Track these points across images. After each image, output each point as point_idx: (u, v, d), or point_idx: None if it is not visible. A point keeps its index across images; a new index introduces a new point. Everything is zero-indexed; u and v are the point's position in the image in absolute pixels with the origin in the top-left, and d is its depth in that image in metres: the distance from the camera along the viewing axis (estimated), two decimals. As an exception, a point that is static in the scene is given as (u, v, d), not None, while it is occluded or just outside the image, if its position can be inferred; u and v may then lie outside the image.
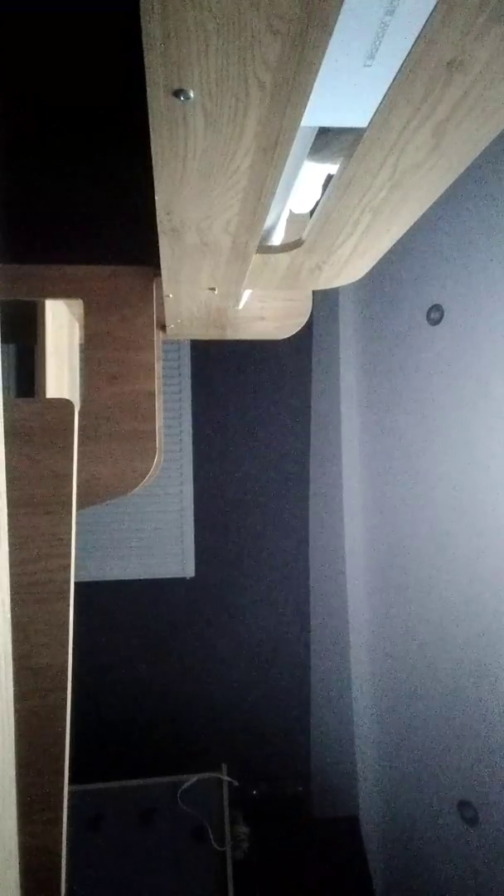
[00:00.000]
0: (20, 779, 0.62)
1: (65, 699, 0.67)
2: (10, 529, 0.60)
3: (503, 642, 1.72)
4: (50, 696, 0.66)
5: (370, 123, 0.50)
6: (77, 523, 0.71)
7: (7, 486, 0.52)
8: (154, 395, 1.14)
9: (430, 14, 0.37)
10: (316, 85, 0.44)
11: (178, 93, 0.44)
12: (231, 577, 2.76)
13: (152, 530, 2.69)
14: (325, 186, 0.72)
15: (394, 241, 0.79)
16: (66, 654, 0.67)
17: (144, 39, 0.39)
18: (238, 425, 2.77)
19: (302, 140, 0.61)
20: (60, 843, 0.65)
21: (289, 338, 1.41)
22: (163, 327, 1.31)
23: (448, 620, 1.95)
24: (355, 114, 0.49)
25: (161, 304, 1.14)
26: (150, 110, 0.46)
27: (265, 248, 0.81)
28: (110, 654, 2.65)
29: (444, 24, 0.38)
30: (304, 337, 2.69)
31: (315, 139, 0.62)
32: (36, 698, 0.66)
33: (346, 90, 0.46)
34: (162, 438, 1.29)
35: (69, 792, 0.66)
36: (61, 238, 2.40)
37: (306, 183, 0.72)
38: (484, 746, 1.81)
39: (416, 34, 0.39)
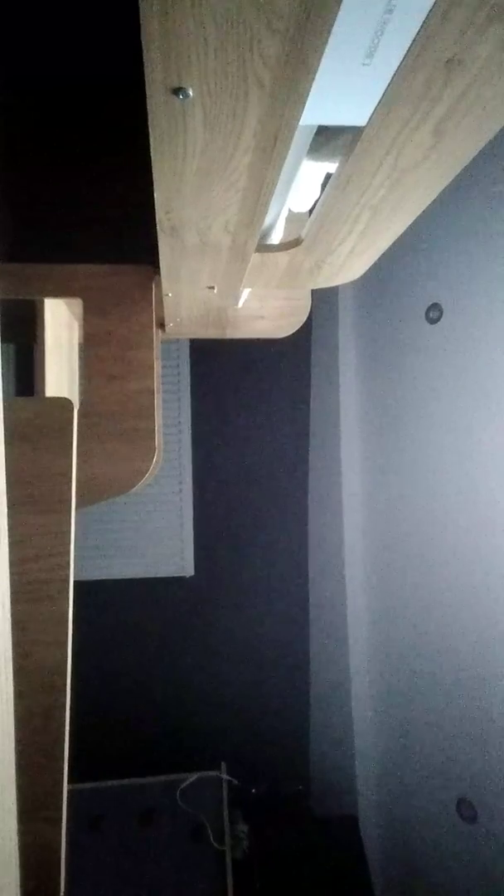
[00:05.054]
0: (20, 778, 0.62)
1: (64, 698, 0.67)
2: (9, 528, 0.60)
3: (501, 640, 1.72)
4: (49, 695, 0.66)
5: (369, 122, 0.49)
6: (76, 522, 0.71)
7: (6, 486, 0.52)
8: (153, 393, 1.14)
9: (429, 12, 0.37)
10: (315, 83, 0.44)
11: (177, 91, 0.44)
12: (230, 576, 2.76)
13: (151, 529, 2.69)
14: (324, 185, 0.72)
15: (393, 240, 0.79)
16: (66, 652, 0.67)
17: (144, 37, 0.38)
18: (237, 424, 2.77)
19: (301, 138, 0.61)
20: (60, 842, 0.65)
21: (288, 336, 1.41)
22: (162, 326, 1.31)
23: (447, 618, 1.95)
24: (354, 112, 0.49)
25: (160, 303, 1.14)
26: (149, 109, 0.46)
27: (264, 247, 0.81)
28: (110, 653, 2.65)
29: (442, 22, 0.38)
30: (304, 335, 2.68)
31: (314, 138, 0.62)
32: (35, 697, 0.66)
33: (344, 89, 0.46)
34: (161, 437, 1.29)
35: (69, 791, 0.66)
36: (61, 237, 2.40)
37: (305, 181, 0.72)
38: (482, 744, 1.81)
39: (415, 32, 0.39)
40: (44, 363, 1.16)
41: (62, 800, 0.65)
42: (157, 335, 1.20)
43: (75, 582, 0.70)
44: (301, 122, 0.49)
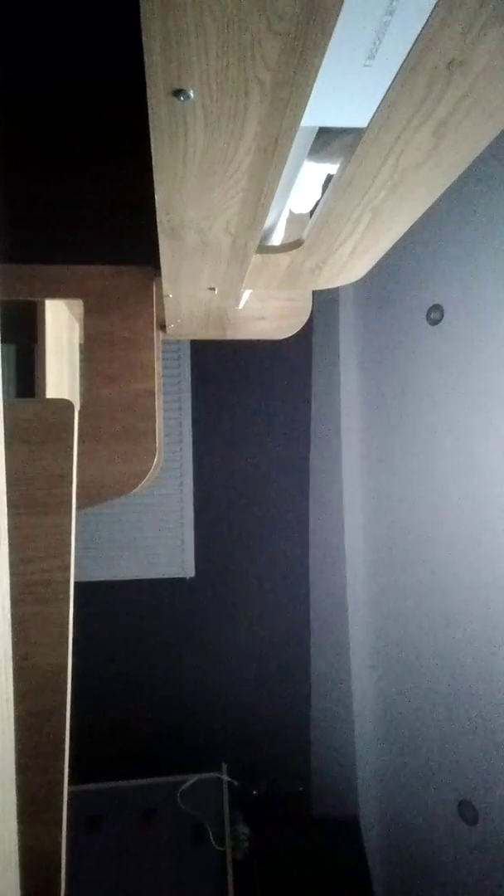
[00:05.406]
0: (20, 778, 0.62)
1: (65, 699, 0.67)
2: (10, 530, 0.60)
3: (503, 641, 1.72)
4: (50, 696, 0.66)
5: (370, 123, 0.49)
6: (77, 523, 0.71)
7: (7, 487, 0.52)
8: (154, 394, 1.14)
9: (430, 14, 0.37)
10: (316, 85, 0.44)
11: (177, 93, 0.44)
12: (231, 577, 2.76)
13: (152, 530, 2.69)
14: (325, 186, 0.72)
15: (394, 241, 0.79)
16: (66, 654, 0.67)
17: (144, 39, 0.38)
18: (238, 425, 2.77)
19: (302, 140, 0.61)
20: (60, 843, 0.65)
21: (289, 338, 1.41)
22: (163, 327, 1.31)
23: (448, 619, 1.95)
24: (355, 114, 0.49)
25: (161, 304, 1.14)
26: (149, 110, 0.46)
27: (265, 248, 0.81)
28: (110, 655, 2.65)
29: (443, 24, 0.38)
30: (305, 337, 2.68)
31: (315, 139, 0.62)
32: (36, 698, 0.66)
33: (346, 90, 0.46)
34: (162, 438, 1.29)
35: (69, 792, 0.66)
36: (61, 238, 2.40)
37: (306, 183, 0.72)
38: (484, 745, 1.81)
39: (416, 34, 0.39)
40: (44, 364, 1.16)
41: (63, 801, 0.65)
42: (157, 336, 1.20)
43: (76, 583, 0.70)
44: (302, 124, 0.49)
